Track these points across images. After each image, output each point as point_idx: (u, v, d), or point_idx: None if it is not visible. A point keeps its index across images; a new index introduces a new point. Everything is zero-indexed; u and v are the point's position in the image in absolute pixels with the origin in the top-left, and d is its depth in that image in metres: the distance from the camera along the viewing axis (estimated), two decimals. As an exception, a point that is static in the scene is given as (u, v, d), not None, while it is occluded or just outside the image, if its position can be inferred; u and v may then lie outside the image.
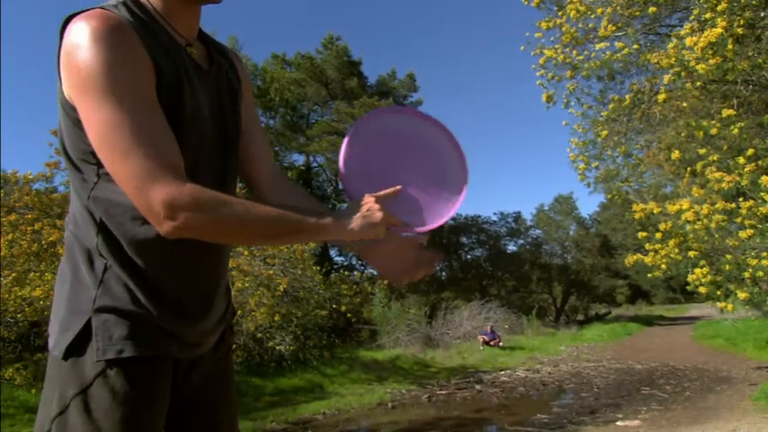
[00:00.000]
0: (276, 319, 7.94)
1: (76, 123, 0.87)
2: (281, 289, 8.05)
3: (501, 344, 13.15)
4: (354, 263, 22.40)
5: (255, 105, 1.70)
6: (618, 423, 5.57)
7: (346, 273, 11.26)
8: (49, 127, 9.21)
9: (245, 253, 8.08)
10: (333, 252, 21.45)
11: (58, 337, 0.87)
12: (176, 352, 0.92)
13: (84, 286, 0.88)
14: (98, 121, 0.81)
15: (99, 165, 0.88)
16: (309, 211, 0.89)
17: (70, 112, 0.87)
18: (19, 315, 5.82)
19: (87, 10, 0.86)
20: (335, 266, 18.06)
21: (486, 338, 13.04)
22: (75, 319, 0.87)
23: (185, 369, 0.98)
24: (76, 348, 0.85)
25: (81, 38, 0.82)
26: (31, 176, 7.06)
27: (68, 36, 0.84)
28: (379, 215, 0.89)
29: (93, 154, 0.86)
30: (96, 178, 0.89)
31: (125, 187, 0.82)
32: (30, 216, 6.48)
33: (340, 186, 20.58)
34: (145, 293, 0.88)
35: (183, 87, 0.91)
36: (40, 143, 14.33)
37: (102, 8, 0.87)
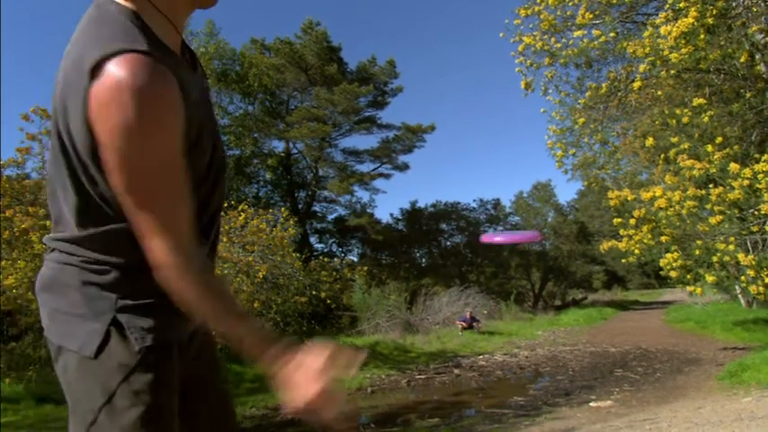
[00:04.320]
0: (256, 305, 7.92)
1: (93, 144, 0.88)
2: (261, 276, 8.02)
3: (480, 326, 13.33)
4: (334, 249, 22.40)
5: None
6: (591, 404, 5.72)
7: (326, 259, 11.24)
8: (19, 111, 8.95)
9: (224, 239, 8.01)
10: (313, 239, 21.42)
11: (84, 338, 0.94)
12: (183, 333, 1.06)
13: (100, 291, 0.96)
14: (126, 176, 0.86)
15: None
16: (252, 327, 0.95)
17: (89, 135, 0.87)
18: (-9, 304, 5.70)
19: (129, 51, 0.83)
20: (315, 253, 18.02)
21: (465, 324, 13.21)
22: (98, 320, 0.95)
23: (185, 345, 1.09)
24: (106, 345, 0.94)
25: (128, 86, 0.81)
26: (1, 162, 6.84)
27: (116, 75, 0.82)
28: (304, 401, 0.93)
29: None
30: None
31: (138, 231, 0.89)
32: (1, 203, 6.32)
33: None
34: (157, 291, 0.96)
35: (203, 132, 0.96)
36: (10, 128, 13.86)
37: (145, 53, 0.84)
